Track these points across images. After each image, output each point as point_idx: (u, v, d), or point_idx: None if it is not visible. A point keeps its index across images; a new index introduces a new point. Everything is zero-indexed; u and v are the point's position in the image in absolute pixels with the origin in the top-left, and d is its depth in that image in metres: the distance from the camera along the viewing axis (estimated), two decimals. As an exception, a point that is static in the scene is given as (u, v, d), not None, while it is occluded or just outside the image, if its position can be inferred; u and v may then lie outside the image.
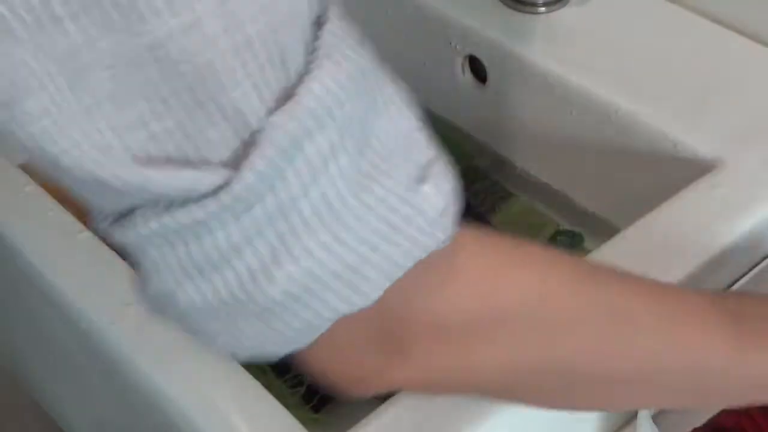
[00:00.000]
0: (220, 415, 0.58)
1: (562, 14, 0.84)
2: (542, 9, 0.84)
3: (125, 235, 0.38)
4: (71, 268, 0.66)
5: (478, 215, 0.82)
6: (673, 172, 0.72)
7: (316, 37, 0.37)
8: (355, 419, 0.57)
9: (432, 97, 0.91)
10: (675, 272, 0.63)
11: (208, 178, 0.36)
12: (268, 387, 0.59)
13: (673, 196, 0.68)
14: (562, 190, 0.82)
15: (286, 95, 0.36)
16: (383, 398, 0.58)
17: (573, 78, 0.78)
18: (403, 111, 0.40)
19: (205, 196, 0.36)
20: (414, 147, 0.40)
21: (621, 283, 0.47)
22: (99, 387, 0.69)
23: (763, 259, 0.68)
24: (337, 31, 0.38)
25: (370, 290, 0.39)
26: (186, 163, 0.36)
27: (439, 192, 0.40)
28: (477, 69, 0.86)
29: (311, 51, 0.37)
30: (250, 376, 0.60)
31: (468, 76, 0.87)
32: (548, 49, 0.81)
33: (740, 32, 0.81)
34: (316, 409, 0.69)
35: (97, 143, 0.35)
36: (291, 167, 0.36)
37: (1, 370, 0.89)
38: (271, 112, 0.36)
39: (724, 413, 0.63)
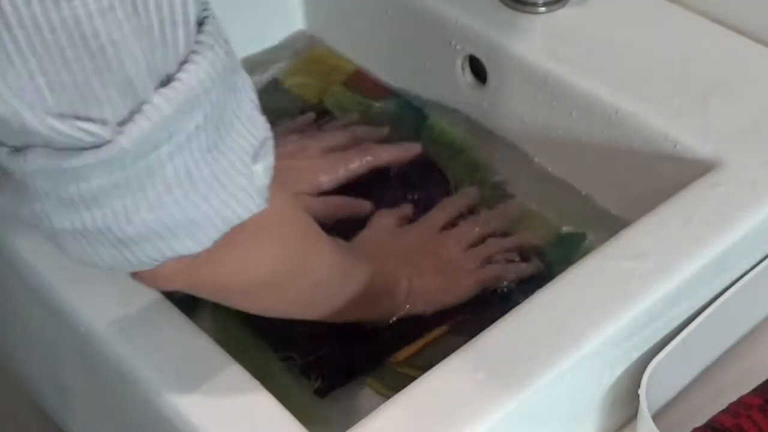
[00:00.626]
0: (219, 415, 0.58)
1: (562, 14, 0.84)
2: (542, 9, 0.84)
3: (16, 164, 0.46)
4: (70, 269, 0.65)
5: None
6: (673, 172, 0.72)
7: (196, 34, 0.45)
8: (356, 418, 0.57)
9: (432, 97, 0.91)
10: (676, 272, 0.63)
11: (92, 134, 0.43)
12: (273, 374, 0.60)
13: (673, 196, 0.68)
14: (561, 189, 0.82)
15: (168, 78, 0.44)
16: (384, 397, 0.58)
17: (573, 78, 0.78)
18: (249, 95, 0.50)
19: (86, 149, 0.44)
20: (253, 127, 0.49)
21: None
22: (97, 388, 0.69)
23: (763, 259, 0.68)
24: (212, 31, 0.46)
25: (205, 240, 0.49)
26: (76, 117, 0.43)
27: (266, 170, 0.50)
28: (477, 69, 0.86)
29: (192, 44, 0.45)
30: (250, 376, 0.60)
31: (468, 76, 0.87)
32: (548, 49, 0.81)
33: (740, 32, 0.81)
34: (322, 395, 0.70)
35: (13, 86, 0.41)
36: (162, 140, 0.45)
37: (1, 370, 0.89)
38: (156, 89, 0.44)
39: (724, 413, 0.63)
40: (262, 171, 0.50)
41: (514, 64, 0.82)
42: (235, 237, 0.51)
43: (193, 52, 0.45)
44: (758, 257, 0.68)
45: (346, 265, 0.68)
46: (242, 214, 0.50)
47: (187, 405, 0.59)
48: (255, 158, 0.50)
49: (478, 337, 0.61)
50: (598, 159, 0.79)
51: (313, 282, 0.64)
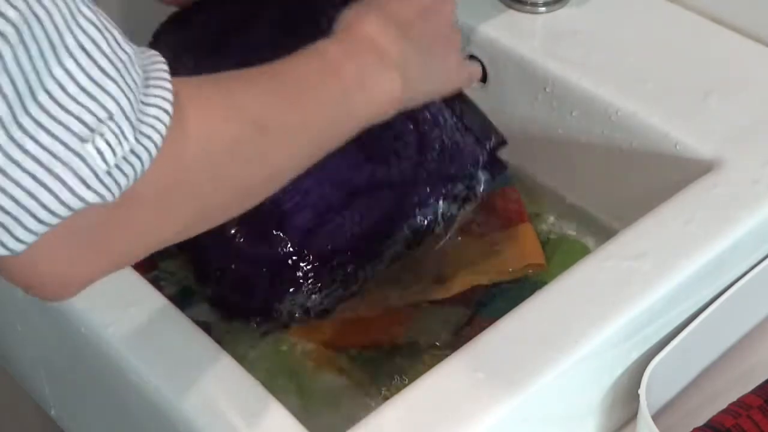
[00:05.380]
0: (219, 415, 0.58)
1: (562, 14, 0.84)
2: (542, 9, 0.84)
3: None
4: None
5: None
6: (673, 172, 0.72)
7: None
8: (355, 419, 0.57)
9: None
10: (676, 272, 0.63)
11: None
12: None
13: (673, 196, 0.68)
14: (562, 189, 0.82)
15: None
16: (383, 397, 0.58)
17: (573, 78, 0.78)
18: (95, 59, 0.41)
19: None
20: (90, 100, 0.41)
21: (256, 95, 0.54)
22: (98, 387, 0.69)
23: (764, 259, 0.68)
24: None
25: (24, 234, 0.42)
26: None
27: (111, 149, 0.42)
28: (477, 69, 0.86)
29: None
30: (250, 376, 0.60)
31: (468, 76, 0.87)
32: (548, 49, 0.81)
33: (740, 32, 0.81)
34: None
35: None
36: None
37: (1, 370, 0.89)
38: None
39: (724, 413, 0.63)
40: (102, 153, 0.42)
41: (514, 64, 0.82)
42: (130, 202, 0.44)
43: None
44: (758, 257, 0.68)
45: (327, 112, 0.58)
46: (73, 202, 0.42)
47: (187, 405, 0.59)
48: (90, 137, 0.41)
49: (478, 337, 0.61)
50: (597, 159, 0.79)
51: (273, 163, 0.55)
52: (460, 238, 0.78)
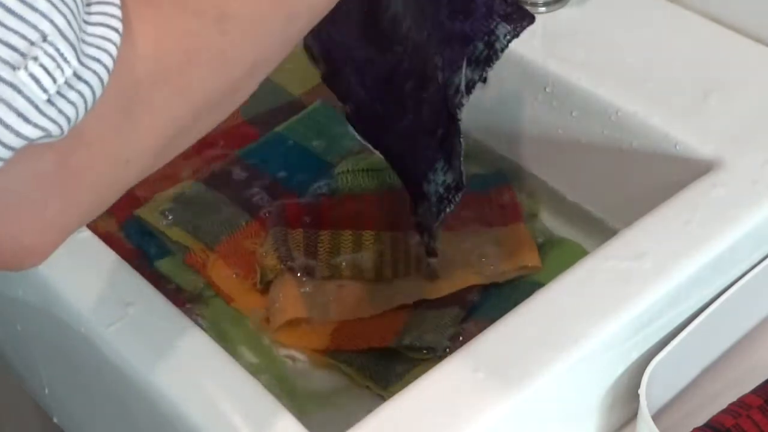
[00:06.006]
0: (220, 415, 0.58)
1: (562, 14, 0.84)
2: (542, 9, 0.84)
3: None
4: (71, 268, 0.66)
5: None
6: (673, 172, 0.72)
7: None
8: (355, 419, 0.57)
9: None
10: (675, 273, 0.63)
11: None
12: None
13: (673, 196, 0.68)
14: (561, 189, 0.82)
15: None
16: (383, 397, 0.58)
17: (573, 78, 0.78)
18: None
19: None
20: (19, 22, 0.36)
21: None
22: (98, 387, 0.69)
23: (763, 259, 0.68)
24: None
25: None
26: None
27: (49, 74, 0.37)
28: (477, 69, 0.86)
29: None
30: (251, 376, 0.60)
31: (468, 76, 0.87)
32: (548, 49, 0.81)
33: (740, 32, 0.81)
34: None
35: None
36: None
37: (1, 370, 0.89)
38: None
39: (724, 413, 0.63)
40: (38, 79, 0.37)
41: (514, 64, 0.82)
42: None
43: None
44: (758, 257, 0.68)
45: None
46: (11, 139, 0.37)
47: (187, 405, 0.59)
48: (22, 63, 0.36)
49: (478, 337, 0.61)
50: (597, 159, 0.79)
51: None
52: (453, 236, 0.78)
